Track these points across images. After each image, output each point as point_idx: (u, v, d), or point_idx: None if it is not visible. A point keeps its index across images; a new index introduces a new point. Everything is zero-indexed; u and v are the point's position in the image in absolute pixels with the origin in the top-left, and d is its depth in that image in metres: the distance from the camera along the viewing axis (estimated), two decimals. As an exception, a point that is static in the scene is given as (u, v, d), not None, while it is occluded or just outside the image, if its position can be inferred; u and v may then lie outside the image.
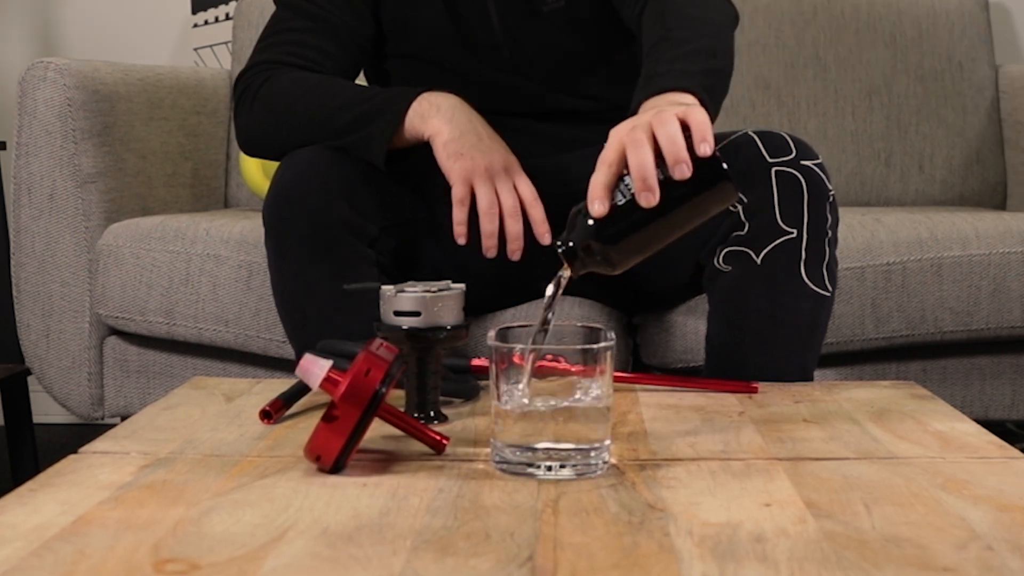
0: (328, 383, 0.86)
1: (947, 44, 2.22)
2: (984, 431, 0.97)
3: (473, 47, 1.38)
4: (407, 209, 1.32)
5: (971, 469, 0.85)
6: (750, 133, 1.22)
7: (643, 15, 1.25)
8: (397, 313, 0.96)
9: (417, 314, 0.96)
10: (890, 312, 1.59)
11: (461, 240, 1.23)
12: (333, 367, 0.87)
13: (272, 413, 0.99)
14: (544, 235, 1.23)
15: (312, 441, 0.84)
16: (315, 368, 0.87)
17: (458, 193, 1.23)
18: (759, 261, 1.20)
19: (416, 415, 0.98)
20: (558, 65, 1.41)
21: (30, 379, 1.97)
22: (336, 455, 0.84)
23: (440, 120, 1.24)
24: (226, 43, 2.50)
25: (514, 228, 1.23)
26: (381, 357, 0.85)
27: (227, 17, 2.50)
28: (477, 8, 1.37)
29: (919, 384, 1.31)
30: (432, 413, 0.99)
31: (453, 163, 1.23)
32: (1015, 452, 0.90)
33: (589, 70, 1.43)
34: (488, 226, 1.23)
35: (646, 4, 1.25)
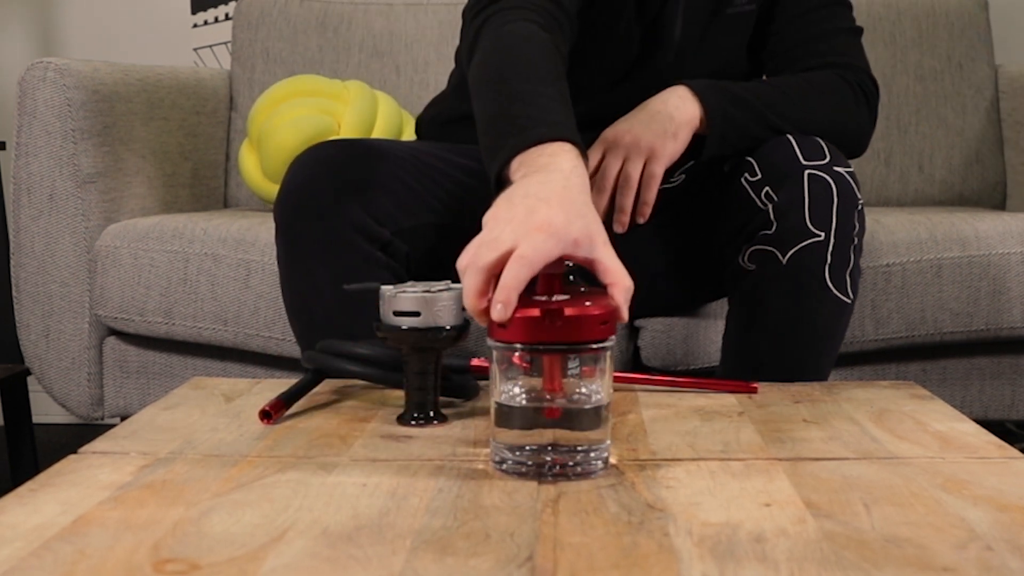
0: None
1: (947, 44, 2.22)
2: (984, 431, 0.97)
3: (641, 40, 1.35)
4: (421, 213, 1.31)
5: (971, 469, 0.85)
6: (787, 135, 1.23)
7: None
8: (397, 313, 0.96)
9: (417, 314, 0.96)
10: (890, 313, 1.59)
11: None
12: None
13: (272, 413, 0.99)
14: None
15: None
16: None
17: None
18: (784, 262, 1.20)
19: (415, 415, 0.98)
20: (712, 71, 1.37)
21: (30, 379, 1.97)
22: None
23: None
24: (226, 43, 2.50)
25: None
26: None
27: (227, 17, 2.50)
28: (663, 2, 1.34)
29: (919, 384, 1.31)
30: (432, 413, 0.99)
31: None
32: (1015, 452, 0.90)
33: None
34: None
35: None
